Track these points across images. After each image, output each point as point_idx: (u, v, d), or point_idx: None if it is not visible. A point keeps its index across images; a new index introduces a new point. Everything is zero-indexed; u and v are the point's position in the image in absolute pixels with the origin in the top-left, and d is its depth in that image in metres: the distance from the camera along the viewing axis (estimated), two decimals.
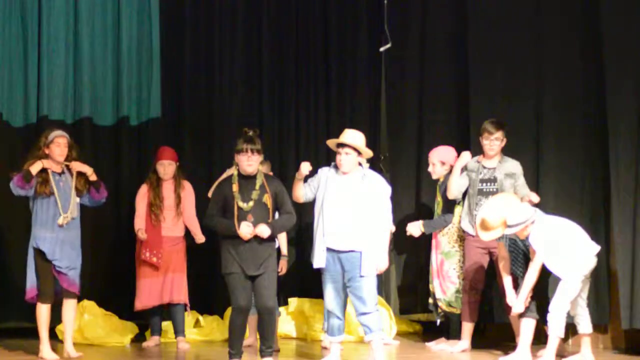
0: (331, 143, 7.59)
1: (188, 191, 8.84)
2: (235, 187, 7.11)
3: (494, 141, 8.31)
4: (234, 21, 9.92)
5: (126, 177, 9.40)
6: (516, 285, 7.77)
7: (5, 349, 8.49)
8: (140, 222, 8.69)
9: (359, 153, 7.47)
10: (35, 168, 7.86)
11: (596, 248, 7.62)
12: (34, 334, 9.10)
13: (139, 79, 9.52)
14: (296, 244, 9.63)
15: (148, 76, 9.53)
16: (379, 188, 7.53)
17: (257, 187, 7.11)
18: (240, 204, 7.06)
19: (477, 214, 7.96)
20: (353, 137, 7.49)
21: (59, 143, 7.93)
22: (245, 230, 7.00)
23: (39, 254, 7.87)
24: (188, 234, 8.84)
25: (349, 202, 7.41)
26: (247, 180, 7.13)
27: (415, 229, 8.69)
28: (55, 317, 8.96)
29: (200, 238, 8.76)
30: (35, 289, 7.89)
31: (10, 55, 9.17)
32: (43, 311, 7.91)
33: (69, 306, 8.02)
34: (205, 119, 9.80)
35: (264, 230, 7.01)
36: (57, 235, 7.88)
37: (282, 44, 10.07)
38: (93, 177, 8.06)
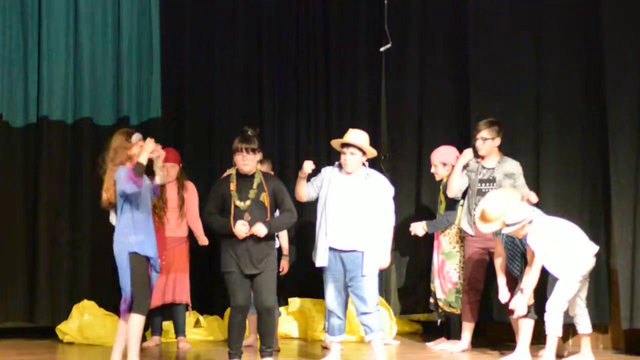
0: (335, 143, 7.59)
1: (191, 192, 8.85)
2: (232, 186, 7.12)
3: (479, 140, 8.32)
4: (234, 21, 9.93)
5: None
6: (514, 283, 7.80)
7: (5, 349, 8.49)
8: None
9: (364, 153, 7.48)
10: (143, 157, 7.00)
11: (594, 248, 7.61)
12: (33, 334, 9.13)
13: (139, 79, 9.52)
14: (297, 243, 9.63)
15: (148, 76, 9.53)
16: (382, 188, 7.54)
17: (255, 186, 7.12)
18: (237, 202, 7.07)
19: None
20: (358, 136, 7.49)
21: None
22: (241, 229, 7.01)
23: (138, 260, 7.08)
24: (191, 235, 8.84)
25: (352, 201, 7.41)
26: (245, 179, 7.14)
27: (418, 228, 8.69)
28: (57, 317, 9.02)
29: (203, 240, 8.76)
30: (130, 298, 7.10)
31: (10, 55, 9.17)
32: (140, 324, 7.10)
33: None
34: (205, 119, 9.80)
35: (260, 230, 7.01)
36: (153, 238, 7.22)
37: (282, 44, 10.08)
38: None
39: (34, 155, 9.15)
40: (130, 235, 7.08)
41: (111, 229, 9.39)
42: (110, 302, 9.06)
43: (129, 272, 7.07)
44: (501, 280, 7.88)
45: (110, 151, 7.18)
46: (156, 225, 8.58)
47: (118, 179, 7.02)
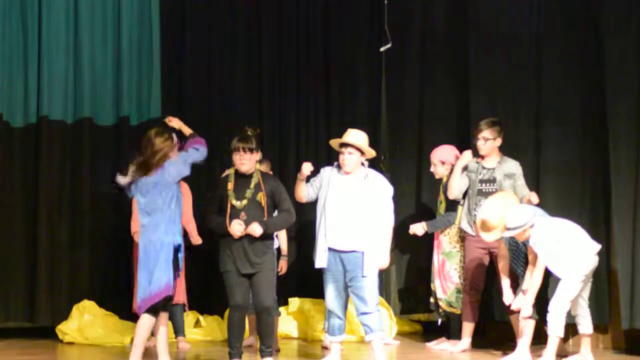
0: (334, 143, 7.59)
1: (185, 193, 8.80)
2: (230, 186, 7.13)
3: (481, 140, 8.32)
4: (234, 21, 9.92)
5: None
6: (516, 284, 7.79)
7: (5, 349, 8.48)
8: (136, 225, 8.66)
9: (362, 153, 7.48)
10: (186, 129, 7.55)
11: (597, 247, 7.59)
12: (33, 334, 9.12)
13: (139, 79, 9.52)
14: (297, 243, 9.62)
15: (148, 76, 9.52)
16: (382, 188, 7.53)
17: (252, 185, 7.12)
18: (234, 202, 7.08)
19: (476, 214, 7.97)
20: (356, 136, 7.49)
21: None
22: (236, 228, 7.01)
23: (176, 253, 7.10)
24: (187, 235, 8.83)
25: (352, 202, 7.41)
26: (243, 178, 7.15)
27: (418, 228, 8.68)
28: (57, 317, 9.01)
29: (195, 240, 8.73)
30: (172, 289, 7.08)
31: (10, 55, 9.16)
32: (150, 325, 7.13)
33: (164, 317, 7.31)
34: (205, 119, 9.78)
35: (255, 229, 7.01)
36: None
37: (282, 44, 10.07)
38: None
39: (34, 155, 9.14)
40: (177, 234, 7.09)
41: (111, 228, 9.40)
42: (110, 302, 9.08)
43: (169, 265, 7.03)
44: (505, 283, 7.85)
45: (159, 153, 7.22)
46: None
47: (176, 167, 7.12)
